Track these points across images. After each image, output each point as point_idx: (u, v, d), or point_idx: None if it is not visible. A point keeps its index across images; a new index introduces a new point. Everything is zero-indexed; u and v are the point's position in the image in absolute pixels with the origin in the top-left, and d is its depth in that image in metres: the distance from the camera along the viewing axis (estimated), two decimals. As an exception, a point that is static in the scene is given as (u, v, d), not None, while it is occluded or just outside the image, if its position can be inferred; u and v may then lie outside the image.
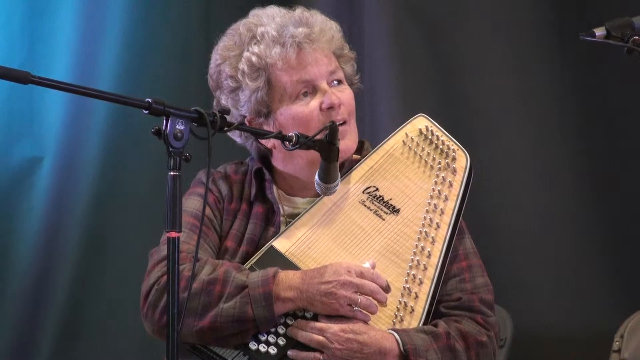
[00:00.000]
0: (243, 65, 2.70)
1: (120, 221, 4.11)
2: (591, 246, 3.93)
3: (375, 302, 2.57)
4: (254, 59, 2.69)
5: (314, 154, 2.58)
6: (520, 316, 3.58)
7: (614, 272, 3.91)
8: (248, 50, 2.70)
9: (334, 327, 2.54)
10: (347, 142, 2.70)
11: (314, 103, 2.69)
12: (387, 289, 2.59)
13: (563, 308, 3.93)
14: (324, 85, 2.70)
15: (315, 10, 2.77)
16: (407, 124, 2.77)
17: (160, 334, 2.56)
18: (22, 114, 4.06)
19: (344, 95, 2.72)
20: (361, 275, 2.56)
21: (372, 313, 2.57)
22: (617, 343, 3.39)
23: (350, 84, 2.78)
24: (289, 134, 2.49)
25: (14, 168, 4.06)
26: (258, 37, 2.70)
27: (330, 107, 2.68)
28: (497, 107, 4.03)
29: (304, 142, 2.49)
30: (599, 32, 2.58)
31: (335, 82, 2.72)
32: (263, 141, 2.74)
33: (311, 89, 2.70)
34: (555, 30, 3.97)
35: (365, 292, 2.55)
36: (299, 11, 2.74)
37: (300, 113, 2.68)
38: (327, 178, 2.57)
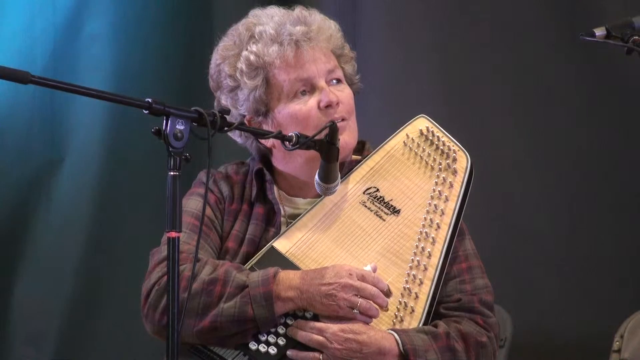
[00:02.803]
0: (241, 64, 2.70)
1: (131, 222, 4.14)
2: (591, 246, 3.93)
3: (376, 306, 2.57)
4: (252, 57, 2.69)
5: (312, 152, 2.58)
6: (520, 316, 3.57)
7: (614, 272, 3.91)
8: (247, 49, 2.70)
9: (333, 327, 2.54)
10: (346, 137, 2.69)
11: (312, 101, 2.68)
12: (388, 293, 2.59)
13: (563, 308, 3.93)
14: (322, 83, 2.69)
15: (314, 10, 2.77)
16: (408, 124, 2.77)
17: (161, 334, 2.56)
18: (42, 116, 4.09)
19: (343, 94, 2.71)
20: (362, 278, 2.56)
21: (372, 317, 2.56)
22: (617, 343, 3.39)
23: (351, 84, 2.77)
24: (289, 134, 2.49)
25: (34, 169, 4.09)
26: (256, 36, 2.70)
27: (329, 106, 2.67)
28: (498, 107, 4.02)
29: (304, 142, 2.48)
30: (599, 32, 2.58)
31: (334, 80, 2.72)
32: (262, 140, 2.74)
33: (309, 88, 2.69)
34: (557, 29, 3.97)
35: (366, 296, 2.55)
36: (297, 10, 2.74)
37: (299, 111, 2.68)
38: (327, 178, 2.57)
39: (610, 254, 3.93)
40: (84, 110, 4.10)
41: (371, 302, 2.55)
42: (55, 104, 4.09)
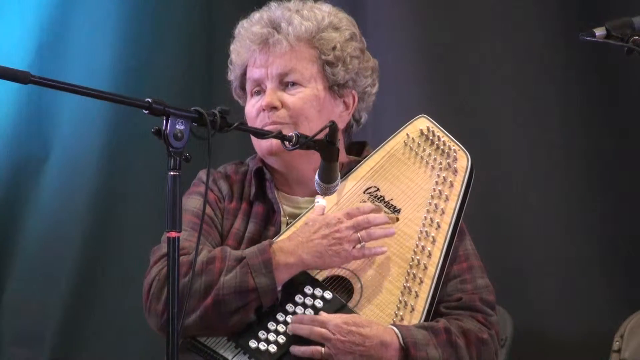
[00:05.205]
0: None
1: (125, 220, 4.13)
2: (591, 246, 3.93)
3: (380, 230, 2.60)
4: (231, 54, 2.79)
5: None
6: (520, 316, 3.57)
7: (614, 272, 3.91)
8: (232, 44, 2.81)
9: (336, 319, 2.55)
10: (267, 142, 2.70)
11: (258, 103, 2.72)
12: (376, 210, 2.64)
13: (563, 308, 3.92)
14: (269, 86, 2.72)
15: (318, 6, 2.75)
16: (408, 124, 2.78)
17: (165, 330, 2.55)
18: (29, 114, 4.08)
19: (291, 98, 2.71)
20: (349, 216, 2.60)
21: (380, 237, 2.60)
22: (617, 343, 3.39)
23: (336, 86, 2.74)
24: (289, 134, 2.49)
25: (20, 167, 4.08)
26: (236, 33, 2.78)
27: (265, 109, 2.70)
28: (498, 107, 4.02)
29: (304, 142, 2.48)
30: (599, 32, 2.58)
31: (290, 84, 2.72)
32: None
33: (263, 88, 2.73)
34: (557, 29, 3.97)
35: (364, 226, 2.59)
36: (280, 10, 2.74)
37: (248, 110, 2.76)
38: (328, 178, 2.57)
39: (610, 254, 3.92)
40: (75, 108, 4.09)
41: (371, 228, 2.59)
42: (41, 101, 4.08)
